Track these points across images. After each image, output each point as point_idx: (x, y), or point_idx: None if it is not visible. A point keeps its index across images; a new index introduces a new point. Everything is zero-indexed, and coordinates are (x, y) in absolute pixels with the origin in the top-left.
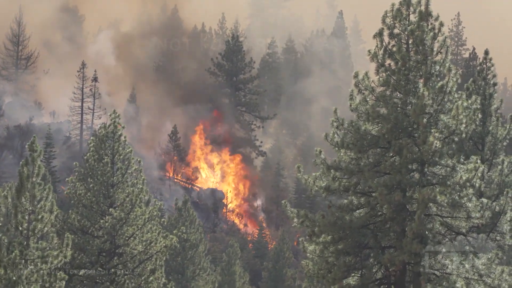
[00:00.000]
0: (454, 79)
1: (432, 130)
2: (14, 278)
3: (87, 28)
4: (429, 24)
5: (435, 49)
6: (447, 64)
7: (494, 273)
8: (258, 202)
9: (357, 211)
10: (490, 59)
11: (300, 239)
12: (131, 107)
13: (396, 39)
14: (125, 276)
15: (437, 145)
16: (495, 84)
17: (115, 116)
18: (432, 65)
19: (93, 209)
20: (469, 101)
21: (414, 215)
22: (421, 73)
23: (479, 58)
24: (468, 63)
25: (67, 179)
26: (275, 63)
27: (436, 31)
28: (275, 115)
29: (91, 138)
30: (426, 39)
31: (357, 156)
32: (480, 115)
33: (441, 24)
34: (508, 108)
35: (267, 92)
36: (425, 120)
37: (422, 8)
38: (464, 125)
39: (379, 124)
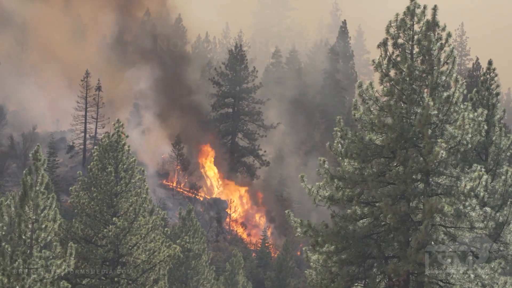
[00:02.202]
0: (461, 90)
1: (439, 141)
2: (18, 287)
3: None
4: (436, 34)
5: (442, 59)
6: (454, 75)
7: (497, 283)
8: (262, 212)
9: (361, 221)
10: (494, 69)
11: (303, 249)
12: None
13: (400, 49)
14: (129, 286)
15: (443, 155)
16: (498, 94)
17: (118, 126)
18: (439, 75)
19: (96, 218)
20: (476, 113)
21: (418, 225)
22: (426, 82)
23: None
24: (472, 73)
25: (70, 188)
26: (278, 73)
27: (443, 41)
28: (278, 123)
29: (95, 147)
30: (433, 49)
31: (360, 165)
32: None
33: (449, 35)
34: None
35: (271, 101)
36: (430, 130)
37: (428, 18)
38: (469, 136)
39: (383, 134)
